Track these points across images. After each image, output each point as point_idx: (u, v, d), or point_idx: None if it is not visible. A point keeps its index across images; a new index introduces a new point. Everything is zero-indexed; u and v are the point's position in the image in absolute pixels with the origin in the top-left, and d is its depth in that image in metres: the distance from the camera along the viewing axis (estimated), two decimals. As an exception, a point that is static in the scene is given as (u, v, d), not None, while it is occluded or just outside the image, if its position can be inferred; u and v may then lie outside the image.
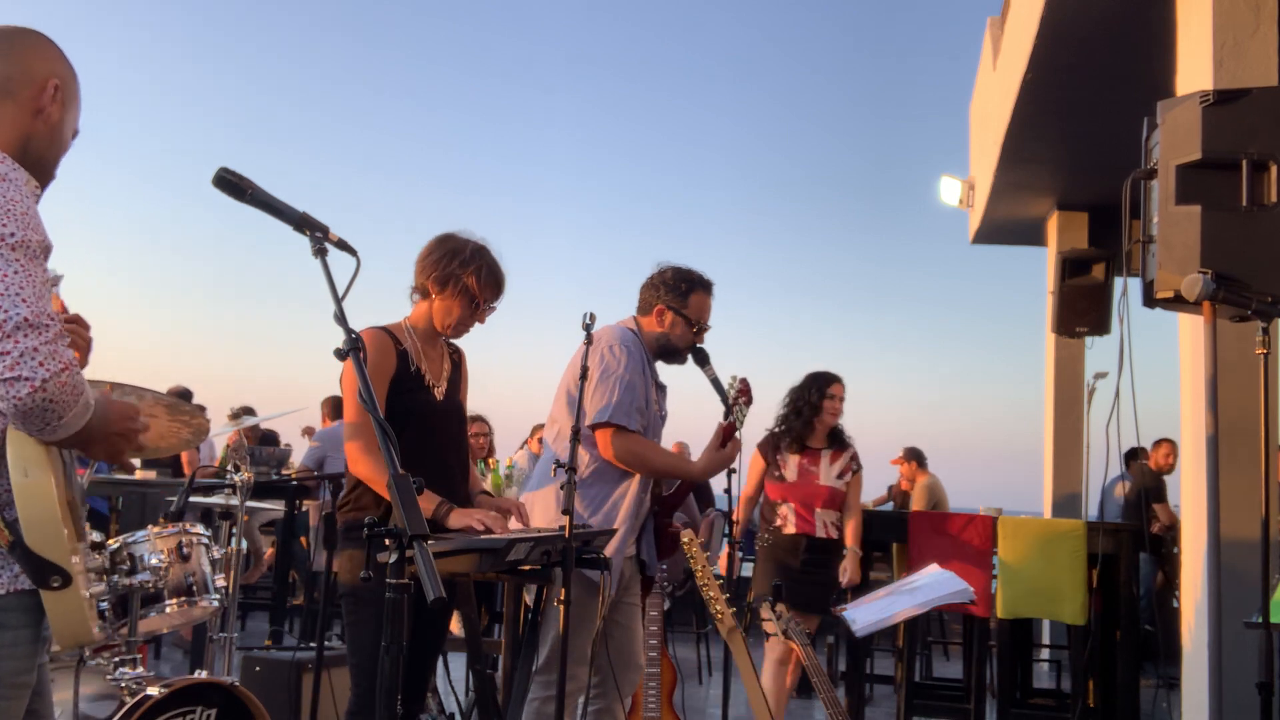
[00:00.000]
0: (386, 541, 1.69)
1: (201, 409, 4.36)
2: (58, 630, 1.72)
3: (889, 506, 9.57)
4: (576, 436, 3.02)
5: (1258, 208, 2.79)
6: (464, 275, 2.96)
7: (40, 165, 1.84)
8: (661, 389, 3.68)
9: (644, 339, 3.56)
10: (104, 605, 3.08)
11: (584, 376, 3.14)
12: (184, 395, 7.04)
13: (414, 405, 2.90)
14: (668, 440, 3.89)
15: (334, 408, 7.32)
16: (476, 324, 3.06)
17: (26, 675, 1.76)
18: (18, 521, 1.66)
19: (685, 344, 3.57)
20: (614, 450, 3.31)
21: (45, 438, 1.65)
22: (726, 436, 3.42)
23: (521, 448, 8.22)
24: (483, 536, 2.68)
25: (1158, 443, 7.94)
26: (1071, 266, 6.67)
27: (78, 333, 2.09)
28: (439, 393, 3.01)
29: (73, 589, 1.69)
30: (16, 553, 1.66)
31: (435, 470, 2.83)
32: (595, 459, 3.35)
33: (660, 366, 3.67)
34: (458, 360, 3.15)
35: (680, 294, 3.54)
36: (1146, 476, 8.00)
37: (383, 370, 2.87)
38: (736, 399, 3.47)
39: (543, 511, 3.34)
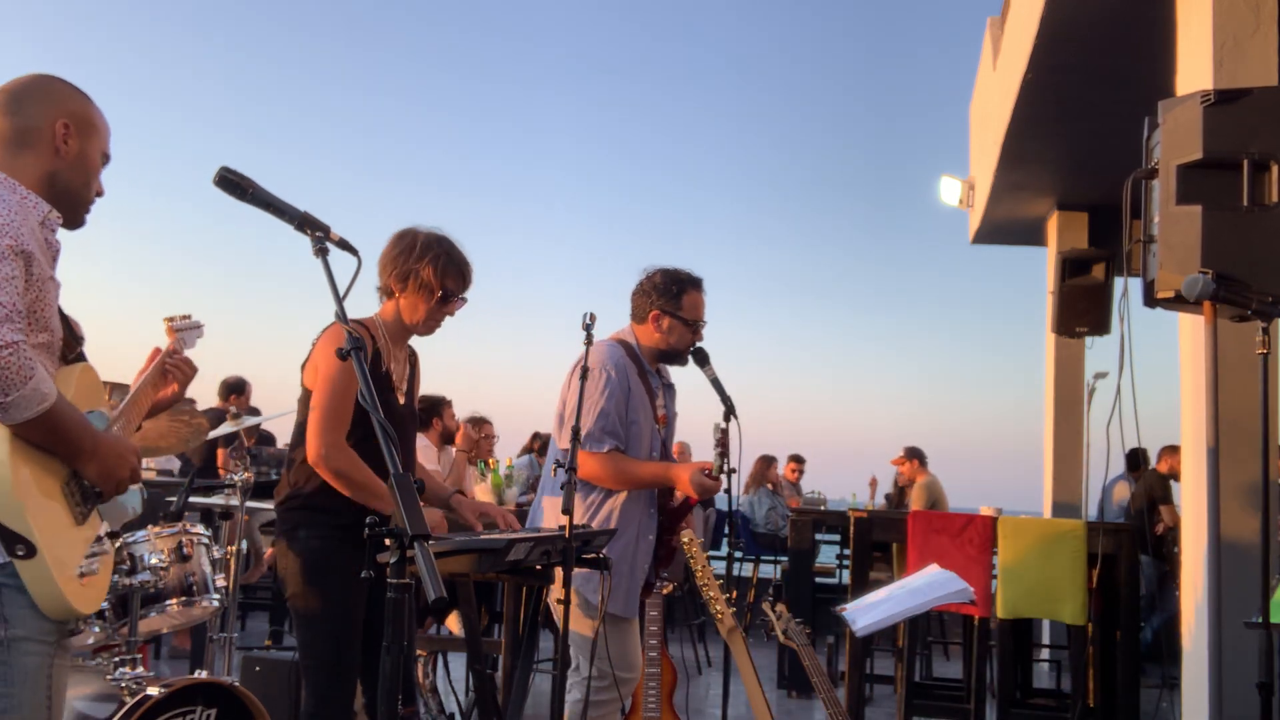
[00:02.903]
0: (387, 541, 1.69)
1: (192, 403, 4.36)
2: (36, 598, 1.85)
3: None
4: (577, 436, 3.03)
5: (1258, 208, 2.79)
6: (420, 268, 2.89)
7: (69, 194, 2.06)
8: (669, 389, 3.69)
9: (641, 347, 3.58)
10: (104, 604, 3.08)
11: (584, 376, 3.15)
12: (237, 386, 7.13)
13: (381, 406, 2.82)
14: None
15: None
16: (447, 317, 2.99)
17: (55, 634, 1.91)
18: None
19: (685, 345, 3.58)
20: (588, 471, 3.33)
21: None
22: (708, 472, 3.41)
23: (524, 454, 8.27)
24: (482, 536, 2.68)
25: (1175, 449, 7.91)
26: (1071, 266, 6.66)
27: (180, 368, 2.44)
28: (400, 395, 2.98)
29: (40, 559, 1.82)
30: None
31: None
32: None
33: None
34: (414, 364, 3.10)
35: (672, 296, 3.55)
36: (1153, 480, 8.00)
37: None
38: (717, 445, 3.45)
39: (553, 515, 3.40)
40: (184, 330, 2.53)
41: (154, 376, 2.38)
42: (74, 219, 2.10)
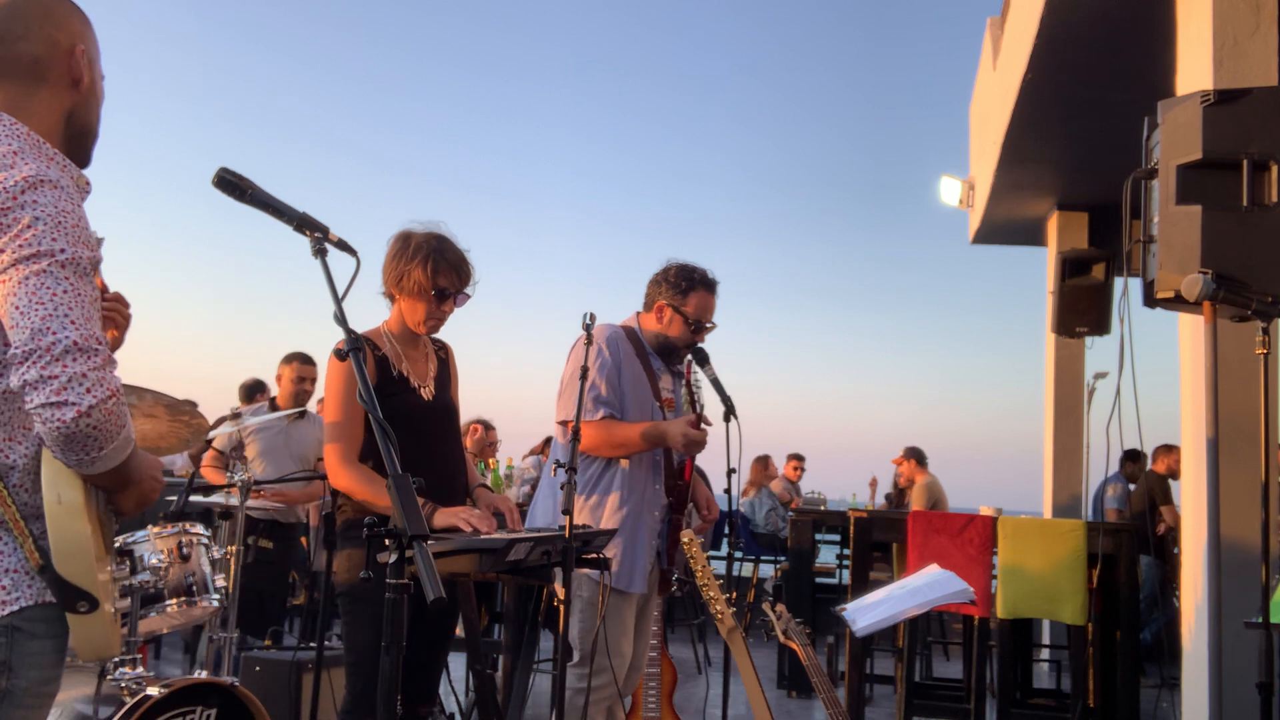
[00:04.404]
0: (386, 542, 1.69)
1: (193, 405, 4.35)
2: (80, 647, 1.69)
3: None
4: (577, 435, 3.03)
5: (1258, 208, 2.79)
6: (411, 269, 2.91)
7: (84, 132, 1.80)
8: (679, 378, 3.69)
9: (644, 335, 3.58)
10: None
11: (584, 376, 3.15)
12: (258, 387, 7.02)
13: (400, 409, 2.84)
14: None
15: None
16: (449, 313, 3.00)
17: (52, 685, 1.74)
18: (49, 547, 1.61)
19: (684, 342, 3.57)
20: (584, 440, 3.32)
21: (83, 469, 1.59)
22: (693, 424, 3.42)
23: (532, 454, 8.35)
24: (481, 536, 2.67)
25: (1170, 449, 7.92)
26: (1071, 266, 6.67)
27: (118, 310, 2.08)
28: (426, 393, 2.99)
29: (100, 611, 1.65)
30: (46, 576, 1.62)
31: (430, 471, 2.82)
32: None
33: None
34: (444, 357, 3.13)
35: (680, 292, 3.55)
36: (1152, 480, 8.01)
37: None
38: (686, 387, 3.48)
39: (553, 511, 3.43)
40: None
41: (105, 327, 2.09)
42: (87, 160, 1.82)
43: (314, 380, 5.64)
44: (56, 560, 1.61)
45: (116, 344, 2.13)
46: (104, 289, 2.08)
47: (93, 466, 1.58)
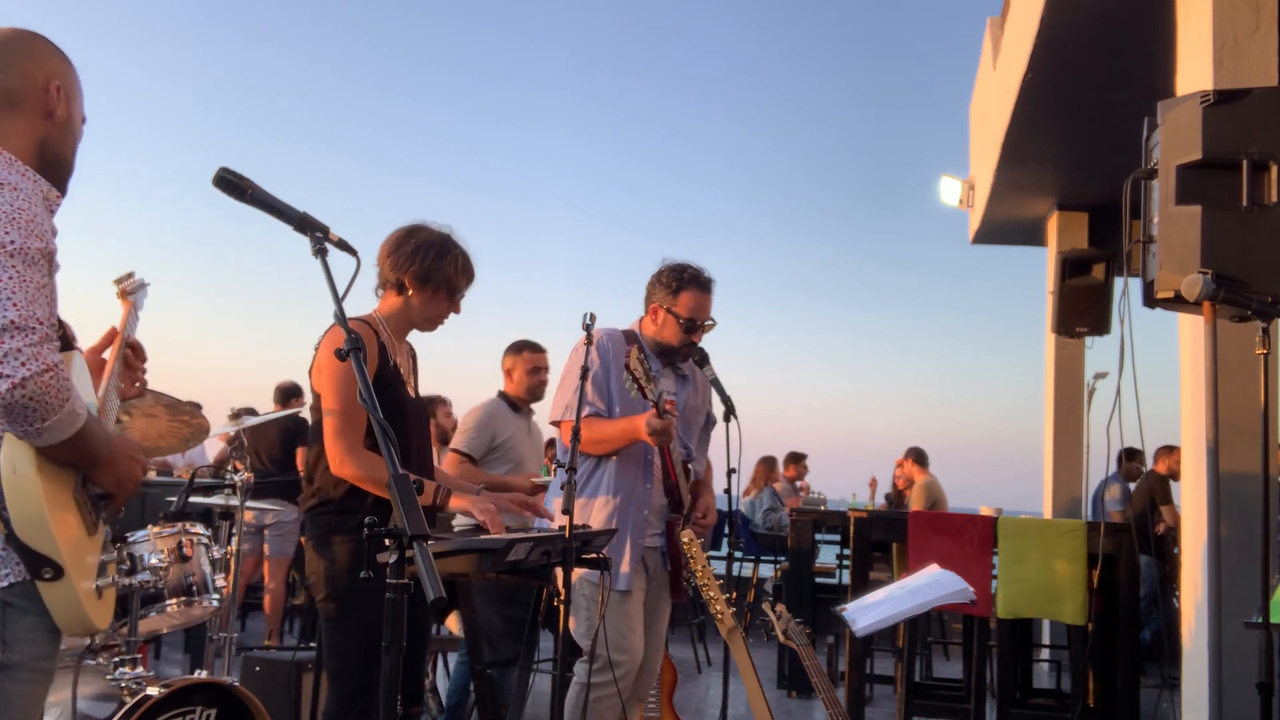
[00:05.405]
0: (386, 541, 1.69)
1: (196, 406, 4.34)
2: (59, 619, 1.79)
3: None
4: (577, 436, 3.03)
5: (1258, 208, 2.79)
6: (445, 268, 2.90)
7: (58, 162, 1.92)
8: (683, 379, 3.67)
9: (644, 338, 3.57)
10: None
11: (584, 376, 3.15)
12: (294, 390, 6.90)
13: (394, 402, 2.80)
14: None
15: None
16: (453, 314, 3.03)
17: (48, 660, 1.83)
18: (9, 517, 1.73)
19: (679, 342, 3.54)
20: (567, 439, 3.36)
21: (31, 440, 1.70)
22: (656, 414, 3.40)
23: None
24: (481, 537, 2.68)
25: (1170, 449, 7.92)
26: (1071, 266, 6.67)
27: (134, 365, 2.25)
28: (411, 389, 2.98)
29: (67, 580, 1.75)
30: (12, 544, 1.74)
31: (412, 469, 2.80)
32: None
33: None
34: (414, 356, 3.12)
35: (671, 292, 3.52)
36: (1153, 480, 8.01)
37: (367, 363, 2.75)
38: (628, 373, 3.43)
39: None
40: (135, 293, 2.34)
41: (122, 372, 2.23)
42: (61, 192, 1.94)
43: (549, 369, 5.03)
44: (16, 527, 1.72)
45: (132, 390, 2.28)
46: (137, 348, 2.27)
47: (40, 438, 1.70)
